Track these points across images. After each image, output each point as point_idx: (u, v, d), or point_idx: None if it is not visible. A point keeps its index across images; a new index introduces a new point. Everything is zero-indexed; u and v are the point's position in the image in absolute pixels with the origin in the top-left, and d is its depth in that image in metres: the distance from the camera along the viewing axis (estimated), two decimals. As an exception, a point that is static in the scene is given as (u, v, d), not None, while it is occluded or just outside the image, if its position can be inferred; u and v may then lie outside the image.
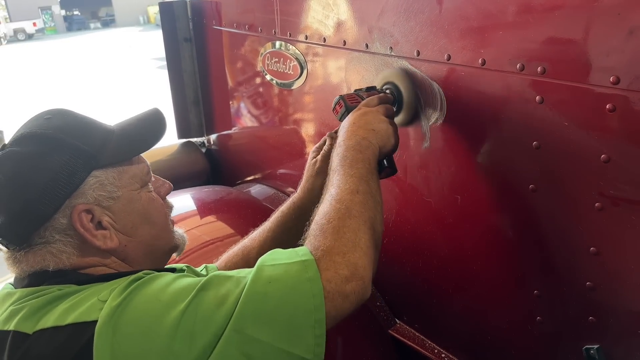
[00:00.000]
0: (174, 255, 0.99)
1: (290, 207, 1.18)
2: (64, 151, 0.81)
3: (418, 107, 1.20)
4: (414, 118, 1.22)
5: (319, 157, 1.16)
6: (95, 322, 0.71)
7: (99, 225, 0.84)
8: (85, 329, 0.71)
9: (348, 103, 1.11)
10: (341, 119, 1.09)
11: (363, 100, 1.11)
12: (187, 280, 0.78)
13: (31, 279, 0.82)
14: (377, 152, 0.98)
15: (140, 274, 0.80)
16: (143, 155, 0.93)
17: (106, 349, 0.69)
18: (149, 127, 0.93)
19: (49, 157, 0.80)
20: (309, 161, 1.19)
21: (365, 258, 0.81)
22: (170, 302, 0.73)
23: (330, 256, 0.79)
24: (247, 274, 0.78)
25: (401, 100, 1.20)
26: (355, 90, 1.17)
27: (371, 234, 0.85)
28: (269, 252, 0.84)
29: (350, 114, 1.06)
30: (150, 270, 0.83)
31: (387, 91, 1.21)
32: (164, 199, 0.96)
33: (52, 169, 0.80)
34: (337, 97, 1.13)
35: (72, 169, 0.81)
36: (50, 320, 0.74)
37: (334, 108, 1.13)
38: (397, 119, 1.18)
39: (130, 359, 0.69)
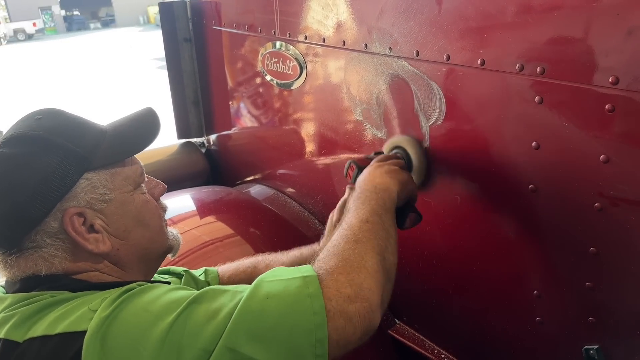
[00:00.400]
0: (169, 256, 0.97)
1: (310, 254, 1.15)
2: (54, 153, 0.79)
3: (427, 173, 1.22)
4: (423, 183, 1.23)
5: (336, 208, 1.13)
6: (84, 332, 0.69)
7: (91, 229, 0.82)
8: (75, 339, 0.69)
9: (359, 164, 1.13)
10: (354, 182, 1.09)
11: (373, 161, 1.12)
12: (180, 293, 0.75)
13: (23, 284, 0.80)
14: (394, 196, 0.97)
15: (133, 284, 0.78)
16: (140, 154, 0.90)
17: None
18: (142, 127, 0.90)
19: (39, 159, 0.78)
20: (329, 217, 1.17)
21: (371, 280, 0.77)
22: (159, 313, 0.71)
23: (333, 275, 0.76)
24: (244, 289, 0.75)
25: (410, 165, 1.21)
26: (365, 156, 1.20)
27: (379, 259, 0.82)
28: (272, 269, 0.81)
29: (364, 170, 1.07)
30: (144, 281, 0.82)
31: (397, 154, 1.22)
32: (157, 200, 0.94)
33: (42, 171, 0.77)
34: (348, 162, 1.15)
35: (63, 171, 0.78)
36: (40, 329, 0.72)
37: (347, 173, 1.15)
38: None
39: None
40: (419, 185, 1.22)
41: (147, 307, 0.72)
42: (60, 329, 0.71)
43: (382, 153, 1.23)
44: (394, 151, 1.25)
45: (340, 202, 1.11)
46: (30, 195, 0.77)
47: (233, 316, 0.70)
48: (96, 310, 0.71)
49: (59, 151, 0.79)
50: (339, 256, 0.79)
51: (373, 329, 0.76)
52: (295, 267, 0.80)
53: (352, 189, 1.03)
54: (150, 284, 0.79)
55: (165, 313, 0.71)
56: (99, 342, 0.68)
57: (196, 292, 0.75)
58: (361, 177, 1.04)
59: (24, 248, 0.79)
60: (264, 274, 0.79)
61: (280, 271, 0.79)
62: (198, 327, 0.70)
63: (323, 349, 0.70)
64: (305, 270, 0.77)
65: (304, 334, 0.70)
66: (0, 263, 0.81)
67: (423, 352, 1.42)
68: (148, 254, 0.90)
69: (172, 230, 0.97)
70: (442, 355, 1.39)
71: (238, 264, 1.20)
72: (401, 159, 1.17)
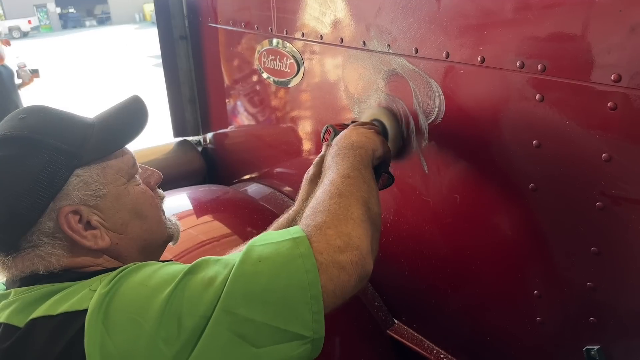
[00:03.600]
0: (170, 244, 0.96)
1: (287, 219, 1.16)
2: (42, 152, 0.77)
3: (402, 144, 1.26)
4: (398, 153, 1.26)
5: (313, 163, 1.14)
6: (85, 310, 0.70)
7: (88, 225, 0.81)
8: (77, 317, 0.70)
9: (337, 129, 1.16)
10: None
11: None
12: (175, 267, 0.76)
13: (22, 282, 0.80)
14: (370, 153, 1.00)
15: (129, 264, 0.78)
16: (135, 153, 0.89)
17: (96, 337, 0.67)
18: (130, 117, 0.88)
19: (27, 160, 0.76)
20: (306, 173, 1.18)
21: (359, 229, 0.80)
22: (157, 286, 0.71)
23: (322, 230, 0.78)
24: (236, 256, 0.76)
25: (386, 137, 1.24)
26: (342, 123, 1.22)
27: (364, 209, 0.84)
28: (261, 234, 0.82)
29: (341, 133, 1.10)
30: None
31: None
32: (154, 189, 0.93)
33: (31, 173, 0.75)
34: (325, 126, 1.18)
35: (52, 170, 0.77)
36: (41, 311, 0.72)
37: (323, 137, 1.18)
38: None
39: (119, 346, 0.67)
40: (394, 154, 1.25)
41: (145, 281, 0.73)
42: (62, 309, 0.71)
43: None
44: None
45: (317, 158, 1.14)
46: (21, 198, 0.75)
47: (228, 280, 0.71)
48: (96, 290, 0.72)
49: (46, 150, 0.77)
50: (325, 211, 0.82)
51: (367, 274, 0.78)
52: (284, 229, 0.81)
53: (329, 146, 1.05)
54: (145, 262, 0.79)
55: (162, 286, 0.71)
56: (100, 319, 0.68)
57: (190, 264, 0.76)
58: (338, 137, 1.06)
59: (21, 248, 0.79)
60: (254, 239, 0.80)
61: (270, 235, 0.80)
62: (196, 295, 0.70)
63: (318, 305, 0.72)
64: (295, 231, 0.79)
65: (298, 292, 0.72)
66: None
67: (422, 352, 1.41)
68: (148, 245, 0.90)
69: (171, 218, 0.96)
70: (441, 355, 1.38)
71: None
72: (377, 128, 1.20)
